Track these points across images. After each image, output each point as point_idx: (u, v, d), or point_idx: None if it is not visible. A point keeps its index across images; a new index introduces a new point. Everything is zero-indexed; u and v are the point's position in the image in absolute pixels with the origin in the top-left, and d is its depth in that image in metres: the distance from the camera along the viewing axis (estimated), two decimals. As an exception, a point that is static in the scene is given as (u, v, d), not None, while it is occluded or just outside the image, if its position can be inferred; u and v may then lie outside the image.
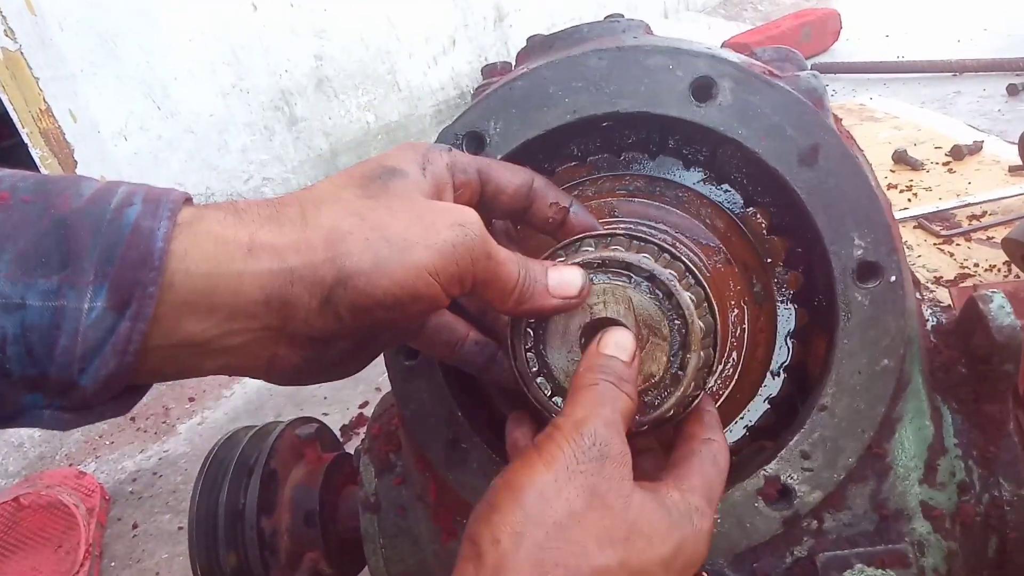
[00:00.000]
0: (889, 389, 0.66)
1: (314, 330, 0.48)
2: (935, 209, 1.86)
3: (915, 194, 2.00)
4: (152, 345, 0.44)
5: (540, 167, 0.73)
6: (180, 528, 1.69)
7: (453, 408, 0.73)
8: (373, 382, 1.82)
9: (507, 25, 3.30)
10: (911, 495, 0.69)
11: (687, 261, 0.59)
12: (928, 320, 0.76)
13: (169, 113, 2.25)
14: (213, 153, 2.37)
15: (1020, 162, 1.91)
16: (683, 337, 0.56)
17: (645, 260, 0.56)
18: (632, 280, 0.57)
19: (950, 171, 2.09)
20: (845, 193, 0.65)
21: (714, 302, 0.59)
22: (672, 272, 0.57)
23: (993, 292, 0.67)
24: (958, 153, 2.12)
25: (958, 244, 1.74)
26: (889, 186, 2.08)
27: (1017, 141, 1.78)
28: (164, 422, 2.07)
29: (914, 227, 1.84)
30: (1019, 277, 1.55)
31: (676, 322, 0.56)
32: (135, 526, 1.75)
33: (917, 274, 1.67)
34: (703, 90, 0.67)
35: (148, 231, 0.43)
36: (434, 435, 0.74)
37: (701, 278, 0.59)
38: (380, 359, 0.74)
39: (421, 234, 0.48)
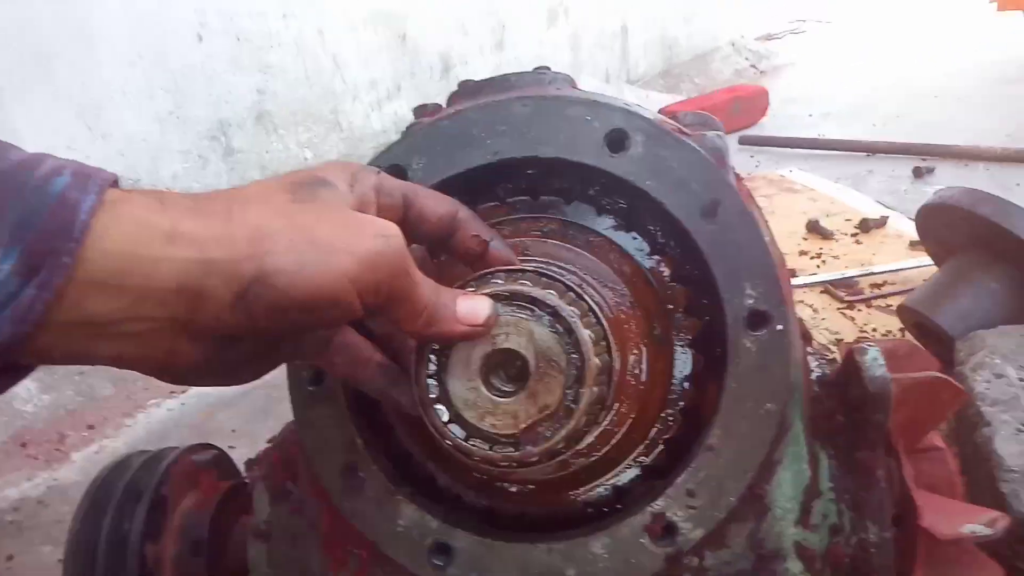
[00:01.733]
0: (771, 433, 0.69)
1: (223, 325, 0.48)
2: (841, 276, 1.98)
3: (824, 261, 2.12)
4: (52, 319, 0.42)
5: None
6: (60, 560, 1.59)
7: (354, 435, 0.73)
8: (284, 417, 1.77)
9: (453, 76, 3.38)
10: (787, 535, 0.71)
11: (590, 301, 0.62)
12: (814, 371, 0.81)
13: (100, 135, 2.20)
14: (143, 177, 2.32)
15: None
16: (579, 372, 0.58)
17: (550, 296, 0.59)
18: (535, 314, 0.59)
19: (857, 242, 2.23)
20: (741, 246, 0.70)
21: (613, 342, 0.62)
22: (575, 310, 0.59)
23: (868, 345, 0.72)
24: (865, 226, 2.26)
25: (859, 310, 1.85)
26: (801, 252, 2.21)
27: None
28: (58, 449, 1.96)
29: (821, 291, 1.95)
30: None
31: (573, 357, 0.58)
32: (10, 558, 1.64)
33: (820, 336, 1.76)
34: (617, 142, 0.71)
35: (74, 202, 0.42)
36: (331, 462, 0.73)
37: (602, 318, 0.62)
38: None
39: (346, 240, 0.49)
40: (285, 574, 0.80)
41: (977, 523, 0.73)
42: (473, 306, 0.57)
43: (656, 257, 0.75)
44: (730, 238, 0.69)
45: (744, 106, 4.11)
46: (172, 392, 2.12)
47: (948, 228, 1.52)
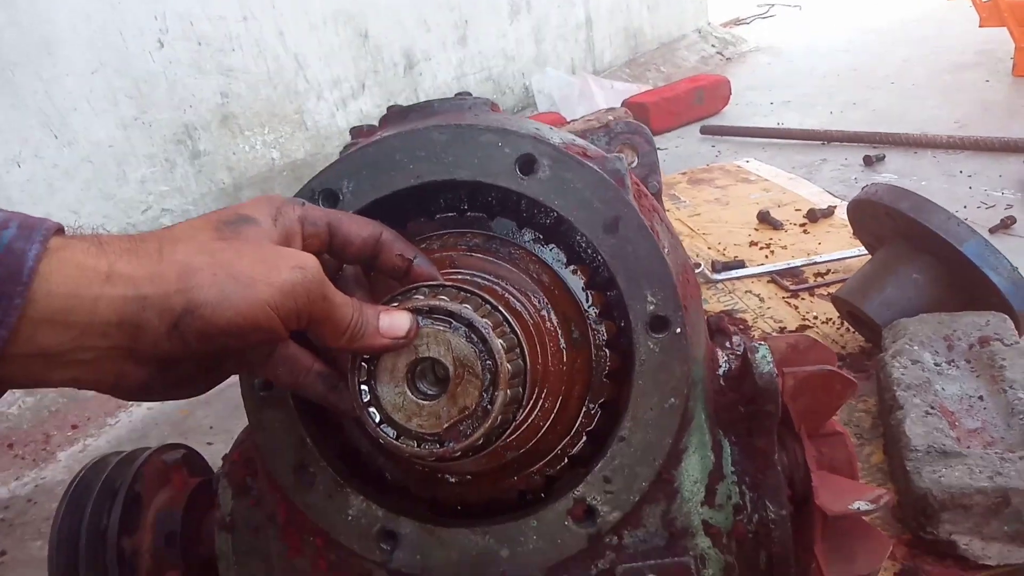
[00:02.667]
0: (675, 424, 0.78)
1: (161, 352, 0.54)
2: (787, 266, 2.07)
3: (772, 251, 2.21)
4: (10, 353, 0.49)
5: (394, 221, 0.83)
6: (49, 556, 1.65)
7: (303, 435, 0.80)
8: (259, 415, 1.84)
9: (417, 73, 3.43)
10: (695, 515, 0.80)
11: (504, 313, 0.69)
12: (721, 366, 0.89)
13: (67, 142, 2.23)
14: (111, 183, 2.35)
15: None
16: (493, 376, 0.65)
17: (466, 310, 0.66)
18: (452, 326, 0.66)
19: (805, 232, 2.32)
20: (640, 258, 0.77)
21: (525, 348, 0.69)
22: (488, 321, 0.66)
23: (759, 344, 0.81)
24: (813, 216, 2.36)
25: (803, 298, 1.93)
26: (752, 243, 2.29)
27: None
28: (44, 449, 2.02)
29: (768, 281, 2.03)
30: (849, 329, 1.75)
31: (488, 363, 0.65)
32: (3, 553, 1.70)
33: (765, 324, 1.86)
34: (527, 165, 0.78)
35: (20, 252, 0.48)
36: (284, 460, 0.81)
37: (516, 327, 0.69)
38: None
39: (264, 273, 0.56)
40: (249, 561, 0.87)
41: (863, 500, 0.82)
42: (394, 321, 0.64)
43: (572, 267, 0.82)
44: (630, 250, 0.77)
45: (707, 95, 4.19)
46: (151, 392, 2.18)
47: (876, 221, 1.62)
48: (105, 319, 0.51)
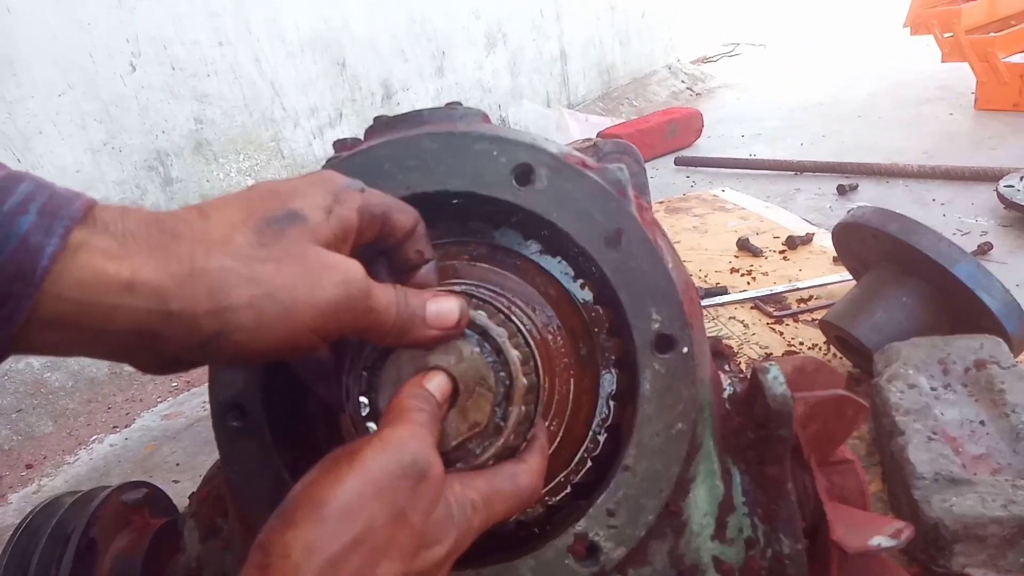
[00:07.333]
0: (683, 451, 0.73)
1: (183, 360, 0.50)
2: (769, 292, 2.05)
3: (754, 278, 2.19)
4: (15, 346, 0.45)
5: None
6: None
7: (280, 471, 0.74)
8: (229, 451, 1.75)
9: (395, 102, 3.40)
10: (704, 550, 0.75)
11: (519, 323, 0.64)
12: (726, 389, 0.85)
13: (30, 167, 2.15)
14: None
15: (842, 254, 2.13)
16: (507, 390, 0.60)
17: (480, 316, 0.61)
18: (465, 334, 0.61)
19: (785, 258, 2.31)
20: (644, 273, 0.73)
21: (540, 363, 0.64)
22: (503, 331, 0.61)
23: (770, 364, 0.76)
24: (792, 243, 2.36)
25: (787, 324, 1.91)
26: (732, 269, 2.28)
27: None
28: (-7, 491, 1.90)
29: (751, 307, 2.01)
30: (836, 355, 1.72)
31: (502, 375, 0.61)
32: (-57, 611, 1.58)
33: (751, 351, 1.82)
34: (523, 175, 0.74)
35: (36, 248, 0.43)
36: (258, 499, 0.74)
37: (530, 340, 0.64)
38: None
39: (306, 292, 0.50)
40: (216, 612, 0.79)
41: (883, 535, 0.77)
42: (442, 309, 0.59)
43: (580, 281, 0.78)
44: (634, 265, 0.72)
45: (680, 128, 4.22)
46: (114, 427, 2.08)
47: (862, 245, 1.60)
48: (122, 328, 0.46)
